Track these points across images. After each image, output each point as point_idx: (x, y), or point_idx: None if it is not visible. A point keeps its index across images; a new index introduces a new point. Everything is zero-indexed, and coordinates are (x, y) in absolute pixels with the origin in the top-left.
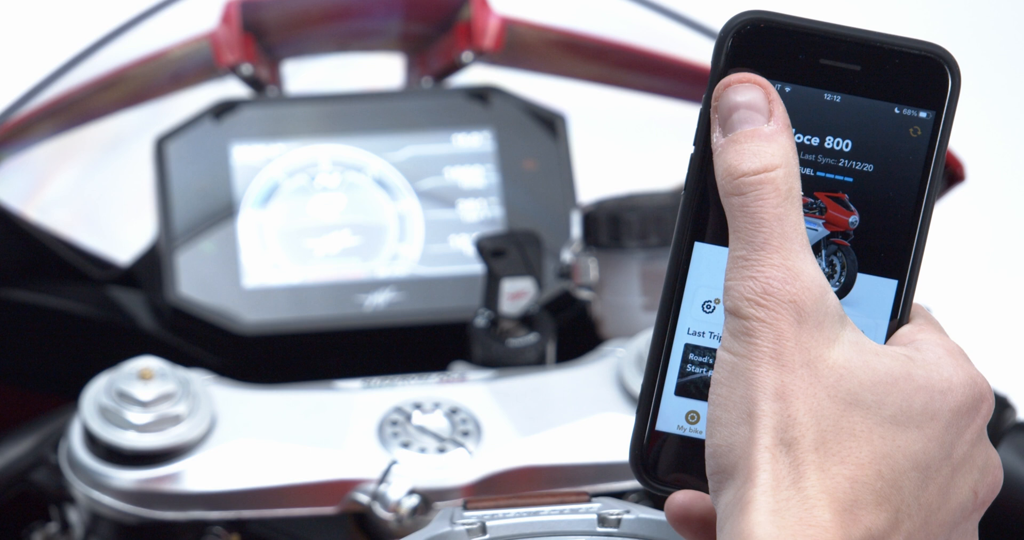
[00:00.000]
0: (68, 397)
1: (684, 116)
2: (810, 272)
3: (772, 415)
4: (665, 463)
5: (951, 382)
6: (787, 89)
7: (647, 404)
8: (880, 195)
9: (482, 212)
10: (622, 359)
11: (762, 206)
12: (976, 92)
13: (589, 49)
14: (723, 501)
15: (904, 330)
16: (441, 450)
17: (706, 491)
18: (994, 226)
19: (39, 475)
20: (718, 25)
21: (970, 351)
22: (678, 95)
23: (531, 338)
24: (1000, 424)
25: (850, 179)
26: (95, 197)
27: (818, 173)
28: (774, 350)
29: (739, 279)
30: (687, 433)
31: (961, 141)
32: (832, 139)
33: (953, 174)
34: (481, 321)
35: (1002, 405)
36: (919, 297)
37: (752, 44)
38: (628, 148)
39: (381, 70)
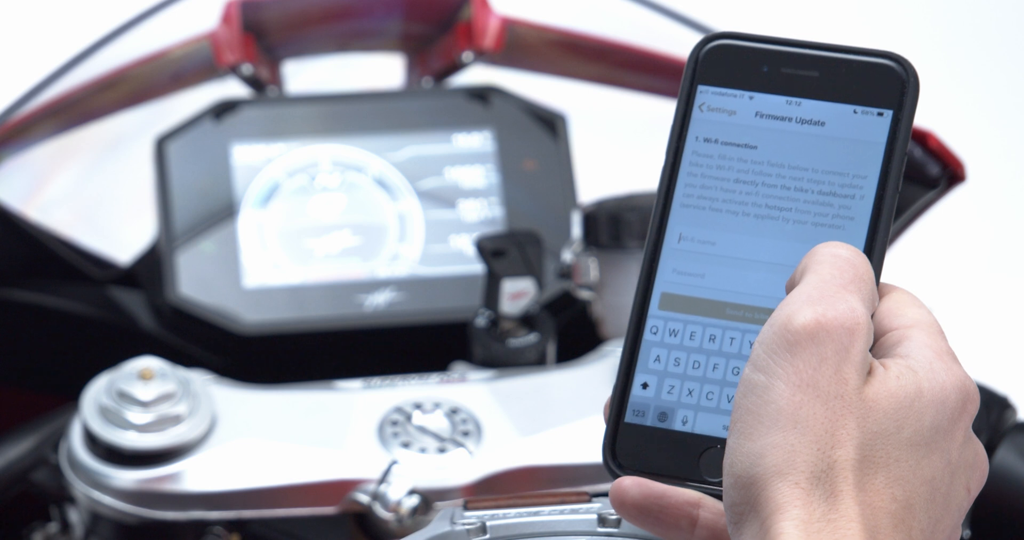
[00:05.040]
0: (68, 397)
1: None
2: (864, 311)
3: (803, 448)
4: (632, 453)
5: (945, 388)
6: (752, 97)
7: (620, 393)
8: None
9: (482, 212)
10: None
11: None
12: (976, 92)
13: (589, 49)
14: (746, 532)
15: (893, 335)
16: (441, 450)
17: (667, 483)
18: (994, 226)
19: (39, 475)
20: (718, 25)
21: (971, 351)
22: (678, 95)
23: (531, 338)
24: (1000, 424)
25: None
26: (95, 197)
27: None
28: (812, 378)
29: (801, 302)
30: (657, 425)
31: (961, 141)
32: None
33: (953, 174)
34: (481, 321)
35: (1002, 405)
36: (923, 297)
37: (720, 61)
38: (628, 148)
39: (381, 70)
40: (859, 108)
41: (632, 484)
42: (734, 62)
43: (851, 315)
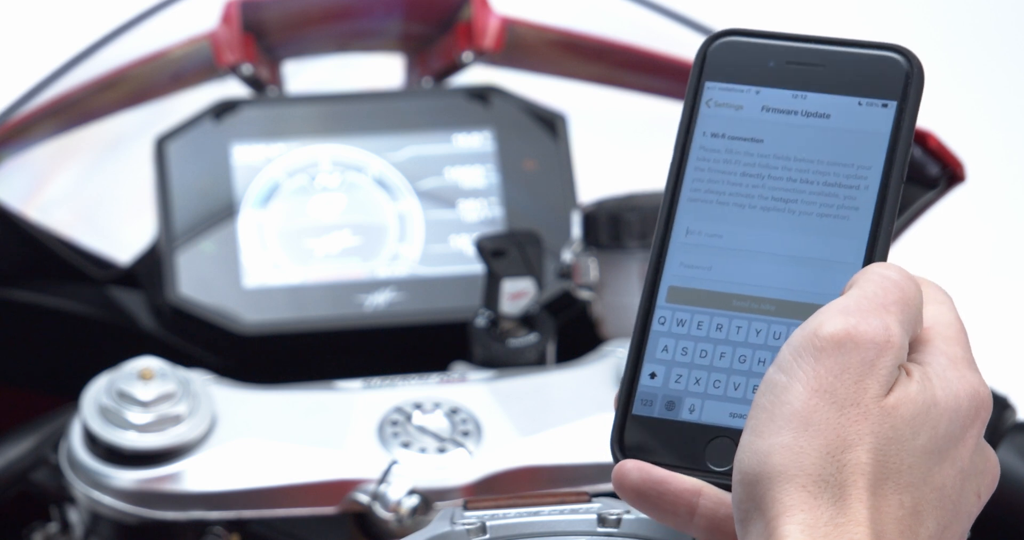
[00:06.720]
0: (68, 397)
1: None
2: (899, 332)
3: (812, 451)
4: (640, 443)
5: (959, 396)
6: (758, 92)
7: (628, 384)
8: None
9: (482, 212)
10: (622, 359)
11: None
12: (977, 92)
13: (589, 49)
14: (752, 531)
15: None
16: (441, 450)
17: (672, 469)
18: (994, 226)
19: (39, 475)
20: (718, 25)
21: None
22: (678, 95)
23: (531, 338)
24: (1000, 424)
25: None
26: (95, 197)
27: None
28: (831, 384)
29: (837, 311)
30: (664, 414)
31: (961, 141)
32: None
33: (953, 174)
34: (481, 321)
35: (1002, 405)
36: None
37: (727, 58)
38: (628, 148)
39: (381, 70)
40: (864, 100)
41: (634, 467)
42: (741, 58)
43: (884, 332)
